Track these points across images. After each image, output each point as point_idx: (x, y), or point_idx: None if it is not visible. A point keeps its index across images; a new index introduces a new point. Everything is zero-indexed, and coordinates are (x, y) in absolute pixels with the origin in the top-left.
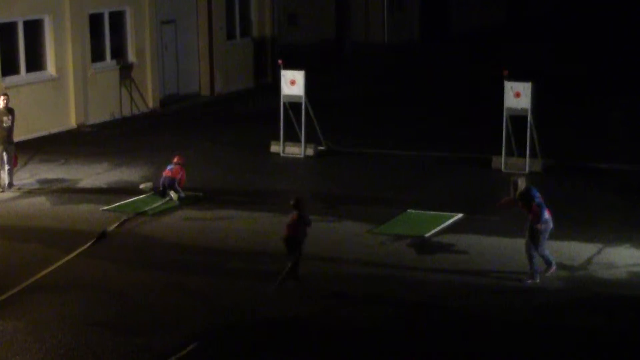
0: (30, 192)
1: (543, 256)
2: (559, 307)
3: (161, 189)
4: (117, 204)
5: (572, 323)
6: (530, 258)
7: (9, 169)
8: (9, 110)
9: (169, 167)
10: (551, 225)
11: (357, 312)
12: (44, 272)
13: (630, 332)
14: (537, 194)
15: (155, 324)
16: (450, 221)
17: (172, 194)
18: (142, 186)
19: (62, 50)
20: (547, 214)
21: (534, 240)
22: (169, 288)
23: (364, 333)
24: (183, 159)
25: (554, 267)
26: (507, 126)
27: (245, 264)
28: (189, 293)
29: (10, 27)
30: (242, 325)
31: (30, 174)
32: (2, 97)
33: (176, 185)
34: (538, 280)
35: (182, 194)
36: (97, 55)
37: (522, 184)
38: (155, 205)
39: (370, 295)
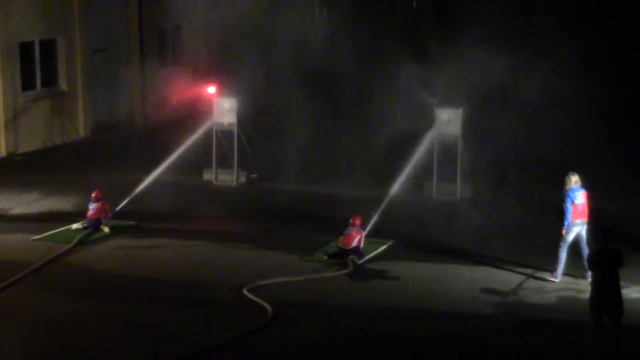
0: None
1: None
2: (492, 331)
3: (92, 230)
4: (48, 233)
5: (504, 346)
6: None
7: None
8: None
9: (90, 207)
10: (573, 229)
11: (291, 338)
12: None
13: (561, 353)
14: (569, 196)
15: (89, 354)
16: (383, 248)
17: (103, 227)
18: (74, 227)
19: None
20: (570, 219)
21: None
22: (103, 317)
23: (298, 359)
24: (101, 192)
25: (553, 277)
26: (437, 153)
27: (178, 293)
28: (122, 322)
29: None
30: (175, 353)
31: None
32: None
33: (103, 222)
34: None
35: (110, 225)
36: (27, 83)
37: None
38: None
39: (303, 321)
